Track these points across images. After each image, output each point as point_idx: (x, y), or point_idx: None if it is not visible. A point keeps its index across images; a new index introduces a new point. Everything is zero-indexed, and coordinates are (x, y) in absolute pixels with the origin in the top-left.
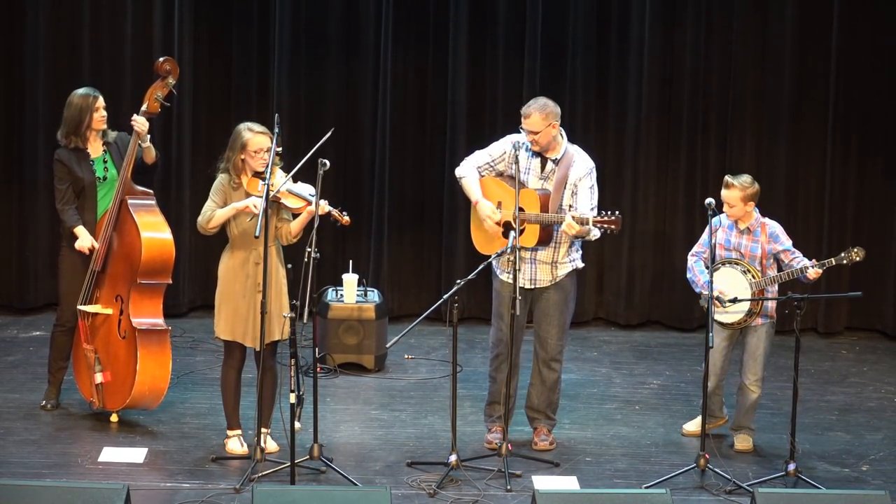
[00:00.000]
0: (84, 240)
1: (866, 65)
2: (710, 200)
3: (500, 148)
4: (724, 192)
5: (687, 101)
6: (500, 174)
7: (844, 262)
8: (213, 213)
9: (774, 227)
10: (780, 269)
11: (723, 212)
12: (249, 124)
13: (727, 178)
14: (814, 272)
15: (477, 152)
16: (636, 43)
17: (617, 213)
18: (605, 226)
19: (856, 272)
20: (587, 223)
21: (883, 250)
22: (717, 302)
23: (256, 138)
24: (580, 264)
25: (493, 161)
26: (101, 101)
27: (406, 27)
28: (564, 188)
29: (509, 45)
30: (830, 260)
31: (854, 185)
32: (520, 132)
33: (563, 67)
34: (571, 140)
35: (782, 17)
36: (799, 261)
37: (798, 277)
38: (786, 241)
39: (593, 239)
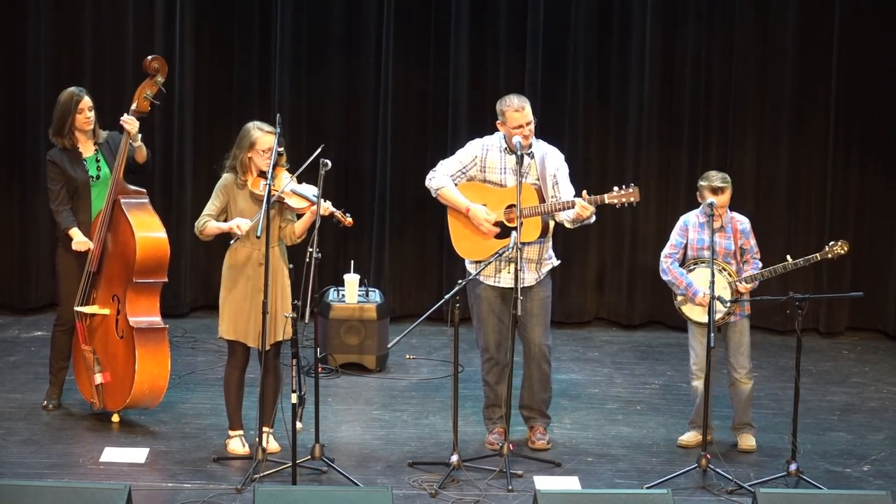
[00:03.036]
0: (80, 240)
1: (867, 65)
2: (711, 201)
3: (470, 153)
4: (717, 198)
5: (688, 101)
6: (472, 179)
7: (830, 256)
8: (205, 225)
9: (745, 222)
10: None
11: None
12: (258, 123)
13: (714, 183)
14: (743, 287)
15: (444, 162)
16: (637, 43)
17: (632, 184)
18: (625, 200)
19: (857, 272)
20: (600, 202)
21: (884, 250)
22: (717, 301)
23: (265, 137)
24: (556, 262)
25: (464, 168)
26: (85, 102)
27: (407, 27)
28: (546, 180)
29: (510, 45)
30: (815, 255)
31: (855, 185)
32: (491, 135)
33: (564, 68)
34: (572, 140)
35: (783, 17)
36: (753, 265)
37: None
38: (752, 241)
39: (592, 221)
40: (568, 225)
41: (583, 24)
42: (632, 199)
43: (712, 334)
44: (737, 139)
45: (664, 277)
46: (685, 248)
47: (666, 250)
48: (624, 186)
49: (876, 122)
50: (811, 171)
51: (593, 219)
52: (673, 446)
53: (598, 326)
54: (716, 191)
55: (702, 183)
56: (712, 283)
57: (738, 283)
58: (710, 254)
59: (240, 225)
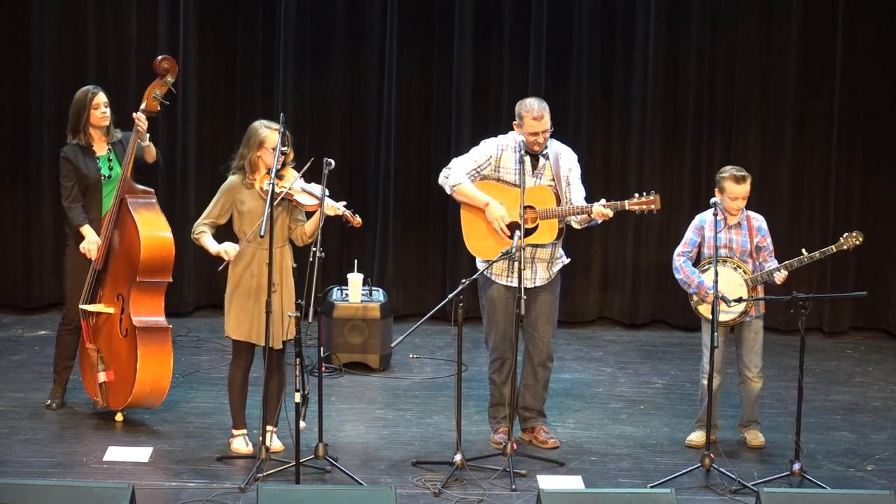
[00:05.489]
0: (89, 241)
1: (871, 64)
2: (715, 200)
3: (485, 153)
4: (738, 188)
5: (692, 101)
6: (485, 178)
7: (845, 247)
8: (200, 235)
9: (761, 220)
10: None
11: (715, 209)
12: (265, 122)
13: (736, 172)
14: (780, 277)
15: (459, 160)
16: (641, 42)
17: (653, 192)
18: (646, 207)
19: (860, 271)
20: (620, 209)
21: (888, 249)
22: (721, 301)
23: (274, 135)
24: (566, 260)
25: (479, 167)
26: (100, 98)
27: (411, 27)
28: (560, 181)
29: (514, 44)
30: (831, 247)
31: (859, 184)
32: (505, 135)
33: (568, 67)
34: (576, 140)
35: (787, 16)
36: (771, 263)
37: (768, 280)
38: (769, 239)
39: (600, 222)
40: (576, 226)
41: (586, 24)
42: (652, 206)
43: (715, 334)
44: (740, 138)
45: (676, 276)
46: (700, 247)
47: (679, 249)
48: (645, 193)
49: (880, 120)
50: (815, 169)
51: (598, 221)
52: (676, 446)
53: (601, 326)
54: (738, 179)
55: (722, 175)
56: (715, 282)
57: (775, 275)
58: (725, 252)
59: (227, 250)
